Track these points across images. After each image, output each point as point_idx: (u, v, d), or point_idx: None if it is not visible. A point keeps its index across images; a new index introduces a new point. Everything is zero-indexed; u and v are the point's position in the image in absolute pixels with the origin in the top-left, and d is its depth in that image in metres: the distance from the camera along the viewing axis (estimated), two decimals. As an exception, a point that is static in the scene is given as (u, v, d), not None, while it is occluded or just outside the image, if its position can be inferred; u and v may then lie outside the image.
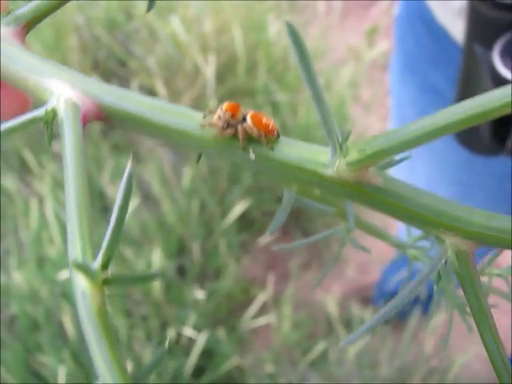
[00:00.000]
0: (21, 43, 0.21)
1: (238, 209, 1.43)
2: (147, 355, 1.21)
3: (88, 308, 0.16)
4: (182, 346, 1.30)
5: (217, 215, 1.51)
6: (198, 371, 1.30)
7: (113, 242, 0.16)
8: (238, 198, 1.50)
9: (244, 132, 0.20)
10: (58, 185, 1.45)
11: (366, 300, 1.57)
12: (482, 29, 0.60)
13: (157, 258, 1.33)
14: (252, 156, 0.19)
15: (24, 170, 1.58)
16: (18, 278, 1.30)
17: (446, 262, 0.16)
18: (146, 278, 0.16)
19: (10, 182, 1.48)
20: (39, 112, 0.19)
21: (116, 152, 1.62)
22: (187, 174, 1.48)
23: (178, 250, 1.51)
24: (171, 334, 1.27)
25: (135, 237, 1.46)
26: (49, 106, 0.19)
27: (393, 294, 1.43)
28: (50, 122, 0.19)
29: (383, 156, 0.16)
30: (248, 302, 1.43)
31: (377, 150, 0.16)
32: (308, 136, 1.66)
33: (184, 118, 0.20)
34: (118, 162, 1.57)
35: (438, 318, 1.44)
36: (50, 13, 0.21)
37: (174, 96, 1.63)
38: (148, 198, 1.56)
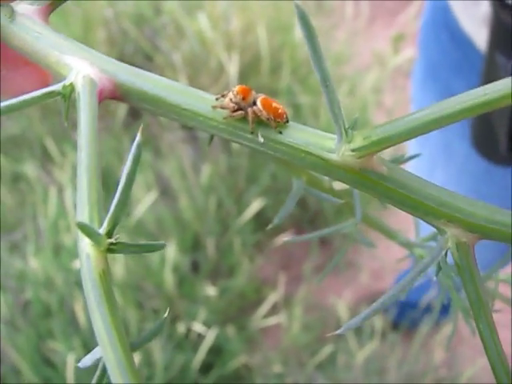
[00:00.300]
0: (44, 21, 0.22)
1: (254, 208, 1.43)
2: (156, 348, 1.21)
3: (91, 271, 0.16)
4: (191, 342, 1.30)
5: (233, 213, 1.52)
6: (206, 367, 1.31)
7: (118, 209, 0.17)
8: (255, 197, 1.51)
9: (254, 115, 0.20)
10: (78, 174, 1.47)
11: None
12: (504, 38, 0.60)
13: (171, 253, 1.34)
14: (260, 139, 0.20)
15: (46, 158, 1.60)
16: (34, 264, 1.31)
17: (446, 254, 0.17)
18: (149, 247, 0.17)
19: (31, 170, 1.50)
20: (58, 86, 0.20)
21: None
22: (206, 170, 1.49)
23: (193, 246, 1.52)
24: (181, 328, 1.28)
25: (151, 230, 1.47)
26: (67, 81, 0.20)
27: (405, 303, 1.41)
28: (68, 96, 0.19)
29: (388, 143, 0.16)
30: (259, 302, 1.44)
31: (381, 136, 0.16)
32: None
33: (197, 99, 0.20)
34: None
35: (449, 329, 1.44)
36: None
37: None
38: (166, 192, 1.57)
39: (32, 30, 0.21)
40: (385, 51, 2.06)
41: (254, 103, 0.21)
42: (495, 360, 0.16)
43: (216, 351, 1.32)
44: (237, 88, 0.21)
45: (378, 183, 0.17)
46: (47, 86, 0.24)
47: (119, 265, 1.27)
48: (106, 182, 1.46)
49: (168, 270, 1.33)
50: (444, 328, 1.45)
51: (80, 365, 0.18)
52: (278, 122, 0.20)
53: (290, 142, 0.19)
